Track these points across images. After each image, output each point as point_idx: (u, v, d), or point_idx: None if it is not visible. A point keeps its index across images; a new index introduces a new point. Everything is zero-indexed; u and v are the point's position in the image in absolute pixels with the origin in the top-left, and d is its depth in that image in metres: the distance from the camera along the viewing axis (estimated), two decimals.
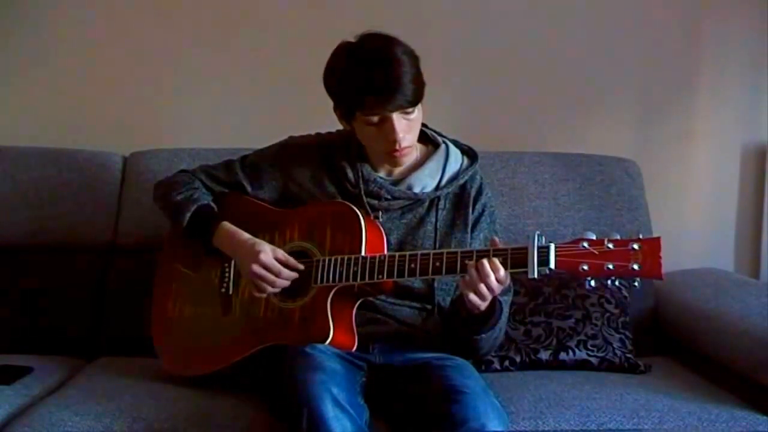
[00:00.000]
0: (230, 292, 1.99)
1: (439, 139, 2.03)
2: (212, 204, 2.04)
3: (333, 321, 1.83)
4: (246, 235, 1.94)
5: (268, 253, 1.89)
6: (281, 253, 1.90)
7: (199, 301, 2.03)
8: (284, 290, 1.91)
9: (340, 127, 2.01)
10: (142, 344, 2.11)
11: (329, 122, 2.02)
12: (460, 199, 2.01)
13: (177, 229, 2.03)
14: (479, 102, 2.74)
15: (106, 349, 2.35)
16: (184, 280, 2.07)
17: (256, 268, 1.88)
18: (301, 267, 1.89)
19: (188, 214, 1.99)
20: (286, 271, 1.88)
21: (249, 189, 2.05)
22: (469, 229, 1.99)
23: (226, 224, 1.97)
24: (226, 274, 2.00)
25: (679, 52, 2.79)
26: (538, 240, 1.70)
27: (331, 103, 1.94)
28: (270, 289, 1.89)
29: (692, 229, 2.79)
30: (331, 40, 1.92)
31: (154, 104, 2.73)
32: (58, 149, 2.53)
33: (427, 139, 2.03)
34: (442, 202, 1.99)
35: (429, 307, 1.97)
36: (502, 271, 1.73)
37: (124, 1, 2.74)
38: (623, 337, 2.22)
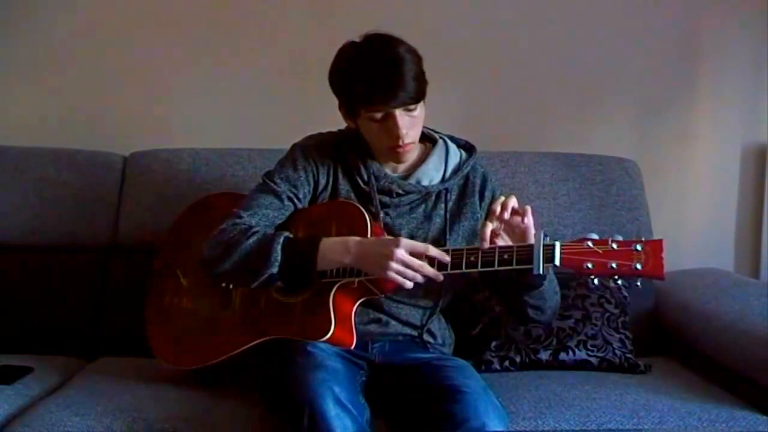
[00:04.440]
0: (231, 285, 1.98)
1: (436, 135, 2.05)
2: (286, 233, 1.89)
3: (335, 316, 1.83)
4: (356, 238, 1.84)
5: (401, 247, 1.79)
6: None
7: (198, 293, 2.02)
8: (286, 285, 1.89)
9: (340, 128, 2.02)
10: (142, 344, 2.11)
11: (329, 122, 2.02)
12: (464, 189, 2.03)
13: (262, 277, 1.84)
14: (479, 102, 2.74)
15: (106, 349, 2.35)
16: (184, 273, 2.07)
17: (395, 265, 1.79)
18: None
19: (278, 247, 1.82)
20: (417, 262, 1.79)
21: (298, 204, 1.97)
22: (478, 216, 2.01)
23: (327, 240, 1.84)
24: None
25: (678, 52, 2.80)
26: (543, 239, 1.72)
27: (330, 104, 1.94)
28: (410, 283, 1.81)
29: (692, 229, 2.80)
30: (332, 42, 1.92)
31: (154, 104, 2.73)
32: (58, 149, 2.53)
33: (424, 136, 2.04)
34: (449, 194, 2.01)
35: (432, 306, 1.98)
36: (513, 200, 1.79)
37: (124, 2, 2.74)
38: (623, 337, 2.22)
